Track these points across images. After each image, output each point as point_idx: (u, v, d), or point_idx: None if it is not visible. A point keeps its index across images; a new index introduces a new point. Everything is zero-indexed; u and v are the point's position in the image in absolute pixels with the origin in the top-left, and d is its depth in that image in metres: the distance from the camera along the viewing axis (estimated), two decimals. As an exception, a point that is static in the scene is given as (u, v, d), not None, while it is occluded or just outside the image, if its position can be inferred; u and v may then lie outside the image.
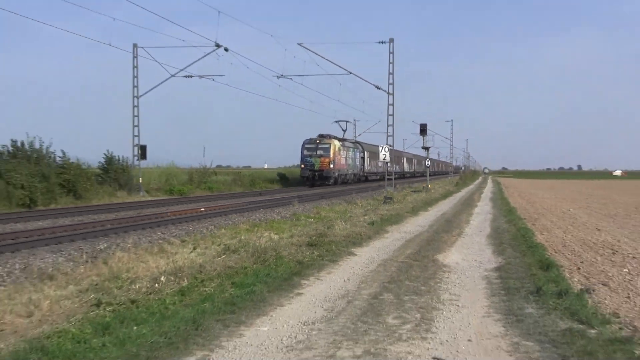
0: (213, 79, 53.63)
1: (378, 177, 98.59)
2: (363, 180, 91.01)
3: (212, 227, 25.77)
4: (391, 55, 52.76)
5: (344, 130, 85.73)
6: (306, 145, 74.05)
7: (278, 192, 60.60)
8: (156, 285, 12.17)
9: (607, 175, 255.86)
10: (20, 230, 23.35)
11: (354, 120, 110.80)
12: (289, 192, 57.42)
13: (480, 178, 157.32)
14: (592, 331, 9.53)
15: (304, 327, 9.93)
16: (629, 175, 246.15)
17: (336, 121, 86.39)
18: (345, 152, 79.45)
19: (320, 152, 72.88)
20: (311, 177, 72.51)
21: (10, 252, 18.38)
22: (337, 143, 75.00)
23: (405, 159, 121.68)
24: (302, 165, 73.77)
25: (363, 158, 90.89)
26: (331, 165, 72.54)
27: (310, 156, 73.08)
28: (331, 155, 72.69)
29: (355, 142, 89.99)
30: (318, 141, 73.86)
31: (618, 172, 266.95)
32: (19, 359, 7.76)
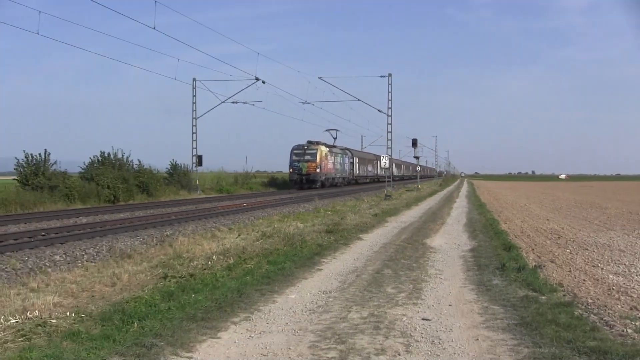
0: (253, 104, 53.83)
1: (368, 180, 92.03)
2: (353, 183, 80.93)
3: (252, 218, 25.79)
4: (390, 86, 52.69)
5: (335, 138, 75.24)
6: (295, 151, 62.94)
7: (301, 192, 57.03)
8: (209, 262, 12.18)
9: (554, 178, 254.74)
10: (107, 220, 23.46)
11: (362, 136, 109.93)
12: (310, 191, 56.99)
13: (458, 180, 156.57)
14: (543, 297, 9.56)
15: (323, 295, 9.91)
16: (571, 178, 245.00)
17: (327, 130, 75.44)
18: (332, 157, 68.67)
19: (307, 157, 61.96)
20: (299, 181, 61.63)
21: (99, 236, 18.47)
22: (324, 149, 64.30)
23: (394, 165, 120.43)
24: (291, 170, 62.82)
25: (352, 163, 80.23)
26: (317, 170, 61.75)
27: (298, 161, 61.95)
28: (318, 160, 61.77)
29: (345, 149, 78.26)
30: (306, 147, 62.89)
31: (563, 176, 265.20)
32: (106, 318, 7.78)
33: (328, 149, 66.54)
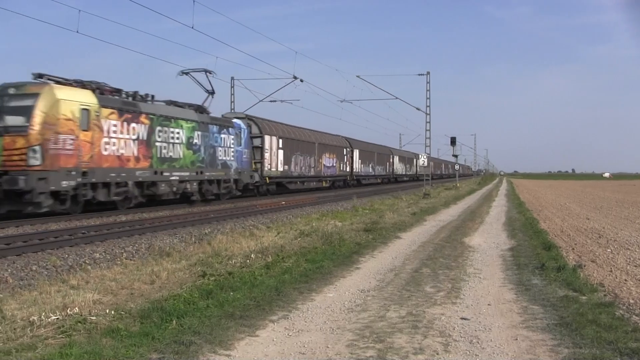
0: (291, 103, 52.94)
1: (316, 185, 52.55)
2: (264, 192, 40.69)
3: (291, 216, 25.85)
4: (428, 84, 52.29)
5: (211, 92, 33.66)
6: None
7: (333, 190, 52.86)
8: (247, 261, 12.23)
9: (595, 176, 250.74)
10: (145, 219, 23.70)
11: (400, 134, 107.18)
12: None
13: (497, 179, 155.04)
14: (583, 297, 9.42)
15: (361, 293, 9.90)
16: (614, 177, 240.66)
17: (184, 72, 32.93)
18: (138, 124, 25.10)
19: (11, 118, 20.08)
20: None
21: (138, 234, 18.68)
22: (62, 95, 20.80)
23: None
24: None
25: (261, 148, 38.25)
26: (35, 160, 19.74)
27: None
28: (36, 126, 19.65)
29: (240, 118, 37.46)
30: (12, 91, 20.37)
31: (607, 174, 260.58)
32: (145, 315, 7.87)
33: (102, 101, 23.20)
